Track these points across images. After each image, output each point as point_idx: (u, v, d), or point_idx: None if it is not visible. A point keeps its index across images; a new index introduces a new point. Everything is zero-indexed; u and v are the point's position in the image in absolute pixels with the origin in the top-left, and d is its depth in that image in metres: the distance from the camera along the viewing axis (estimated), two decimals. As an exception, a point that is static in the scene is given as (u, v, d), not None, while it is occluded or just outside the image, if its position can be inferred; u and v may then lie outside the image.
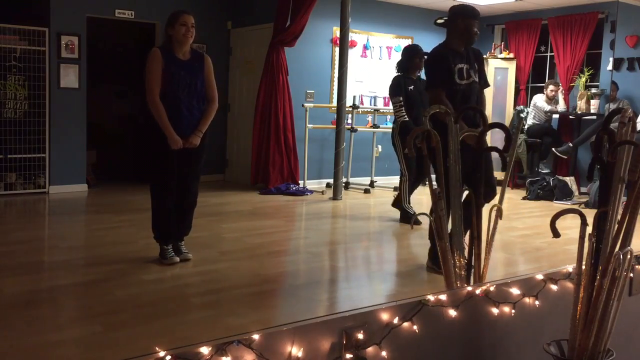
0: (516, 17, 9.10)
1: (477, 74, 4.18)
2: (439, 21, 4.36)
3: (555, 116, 8.56)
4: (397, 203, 6.05)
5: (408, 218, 5.89)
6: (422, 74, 5.99)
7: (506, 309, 2.48)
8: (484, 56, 5.31)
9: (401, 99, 5.79)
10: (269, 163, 7.68)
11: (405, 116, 5.78)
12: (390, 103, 6.08)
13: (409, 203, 5.96)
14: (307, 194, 7.53)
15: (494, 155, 3.25)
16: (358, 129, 8.07)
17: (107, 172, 8.30)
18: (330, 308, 3.62)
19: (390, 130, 6.28)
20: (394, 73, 6.06)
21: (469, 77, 4.12)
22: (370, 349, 2.06)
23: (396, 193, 6.17)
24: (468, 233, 2.95)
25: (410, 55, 5.93)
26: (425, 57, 5.88)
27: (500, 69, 9.04)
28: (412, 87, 5.83)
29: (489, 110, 8.60)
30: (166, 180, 4.19)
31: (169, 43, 4.16)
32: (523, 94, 9.10)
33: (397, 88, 5.86)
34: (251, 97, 8.11)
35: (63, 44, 7.14)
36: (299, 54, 7.94)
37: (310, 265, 4.59)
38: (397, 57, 6.41)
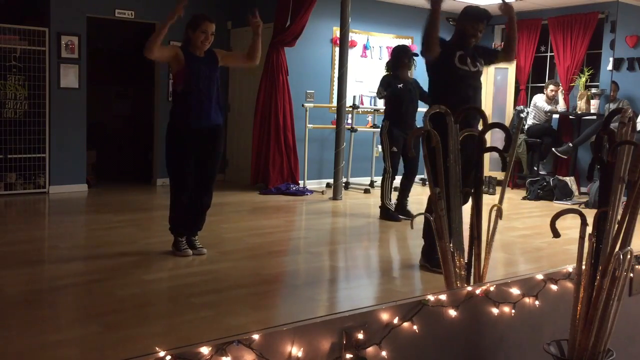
0: (516, 17, 9.08)
1: (480, 64, 4.22)
2: (452, 22, 4.43)
3: (555, 116, 8.56)
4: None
5: (388, 214, 5.99)
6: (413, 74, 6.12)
7: (506, 309, 2.48)
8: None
9: (384, 91, 6.03)
10: (269, 163, 7.68)
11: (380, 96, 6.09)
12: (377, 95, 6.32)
13: (390, 200, 6.09)
14: (307, 194, 7.53)
15: (494, 155, 3.25)
16: (358, 129, 8.07)
17: (107, 172, 8.31)
18: (330, 308, 3.62)
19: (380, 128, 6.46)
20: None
21: (474, 65, 4.16)
22: (370, 349, 2.06)
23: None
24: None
25: (399, 55, 6.06)
26: (414, 57, 5.98)
27: (500, 69, 9.03)
28: (400, 85, 5.96)
29: (489, 111, 8.61)
30: (184, 176, 4.38)
31: (188, 43, 4.37)
32: (523, 94, 9.10)
33: (385, 84, 6.07)
34: (251, 97, 8.11)
35: (63, 44, 7.14)
36: (299, 54, 7.94)
37: (310, 265, 4.59)
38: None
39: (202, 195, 4.48)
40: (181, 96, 4.31)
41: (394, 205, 6.09)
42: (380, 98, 6.09)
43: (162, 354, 1.70)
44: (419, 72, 5.16)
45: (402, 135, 5.93)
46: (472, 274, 2.85)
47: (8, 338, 2.95)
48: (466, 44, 4.17)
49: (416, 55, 5.92)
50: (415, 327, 2.18)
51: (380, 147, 8.43)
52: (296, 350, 1.91)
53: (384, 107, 6.28)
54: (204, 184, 4.46)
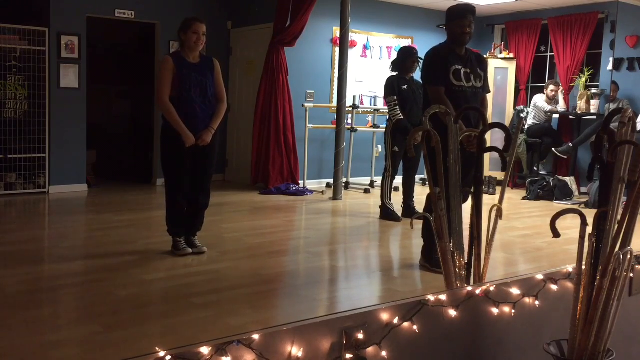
0: (516, 17, 9.10)
1: (479, 79, 4.16)
2: (442, 27, 4.39)
3: (555, 116, 8.56)
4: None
5: (388, 214, 6.00)
6: (416, 76, 6.10)
7: (506, 309, 2.48)
8: (484, 56, 5.32)
9: (395, 97, 5.95)
10: (269, 163, 7.68)
11: (400, 115, 5.93)
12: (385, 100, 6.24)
13: (390, 199, 6.10)
14: (307, 194, 7.53)
15: (494, 155, 3.25)
16: (358, 129, 8.07)
17: (107, 172, 8.31)
18: (330, 308, 3.62)
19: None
20: (391, 73, 6.19)
21: (468, 80, 4.09)
22: (370, 349, 2.06)
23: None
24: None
25: (405, 56, 6.10)
26: (421, 58, 5.98)
27: (500, 69, 9.04)
28: (405, 87, 5.99)
29: (489, 111, 8.60)
30: (179, 178, 4.42)
31: (181, 47, 4.42)
32: (523, 94, 9.10)
33: (390, 88, 6.02)
34: (251, 97, 8.11)
35: (63, 44, 7.14)
36: (299, 54, 7.94)
37: (310, 265, 4.59)
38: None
39: (198, 195, 4.50)
40: (174, 102, 4.31)
41: (393, 205, 6.10)
42: (393, 103, 6.02)
43: (162, 354, 1.70)
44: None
45: (406, 136, 5.93)
46: (472, 274, 2.85)
47: (8, 338, 2.95)
48: (461, 44, 4.15)
49: (421, 59, 5.93)
50: (415, 327, 2.18)
51: (380, 147, 8.47)
52: (296, 350, 1.91)
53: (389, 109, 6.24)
54: (200, 184, 4.49)
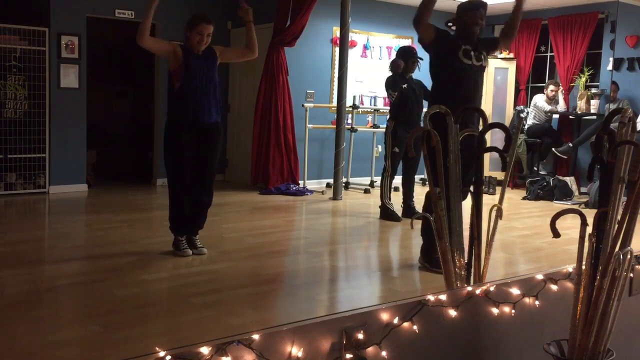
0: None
1: (485, 59, 4.23)
2: (451, 26, 4.43)
3: (555, 116, 8.56)
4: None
5: (388, 214, 5.99)
6: (415, 76, 6.13)
7: (506, 309, 2.48)
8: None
9: (393, 92, 6.02)
10: (269, 163, 7.68)
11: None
12: (388, 98, 6.32)
13: (390, 199, 6.10)
14: (307, 194, 7.53)
15: (494, 155, 3.25)
16: (358, 129, 8.07)
17: (107, 172, 8.31)
18: (330, 308, 3.62)
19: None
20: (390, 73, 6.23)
21: (478, 60, 4.17)
22: (370, 349, 2.06)
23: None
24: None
25: (404, 56, 6.06)
26: (419, 59, 6.00)
27: (500, 69, 9.03)
28: (405, 85, 6.00)
29: (489, 111, 8.61)
30: (181, 175, 4.40)
31: (187, 41, 4.43)
32: (523, 94, 9.10)
33: (391, 85, 6.07)
34: (251, 97, 8.11)
35: (63, 44, 7.14)
36: (299, 54, 7.94)
37: (310, 265, 4.59)
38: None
39: (201, 193, 4.49)
40: (179, 93, 4.33)
41: (393, 205, 6.10)
42: (392, 99, 6.11)
43: (162, 354, 1.70)
44: (423, 74, 5.16)
45: (406, 136, 5.94)
46: (472, 274, 2.85)
47: (8, 338, 2.95)
48: (470, 35, 4.18)
49: (421, 59, 5.94)
50: (415, 327, 2.18)
51: (380, 146, 8.46)
52: (296, 350, 1.91)
53: (389, 108, 6.30)
54: (203, 182, 4.48)
